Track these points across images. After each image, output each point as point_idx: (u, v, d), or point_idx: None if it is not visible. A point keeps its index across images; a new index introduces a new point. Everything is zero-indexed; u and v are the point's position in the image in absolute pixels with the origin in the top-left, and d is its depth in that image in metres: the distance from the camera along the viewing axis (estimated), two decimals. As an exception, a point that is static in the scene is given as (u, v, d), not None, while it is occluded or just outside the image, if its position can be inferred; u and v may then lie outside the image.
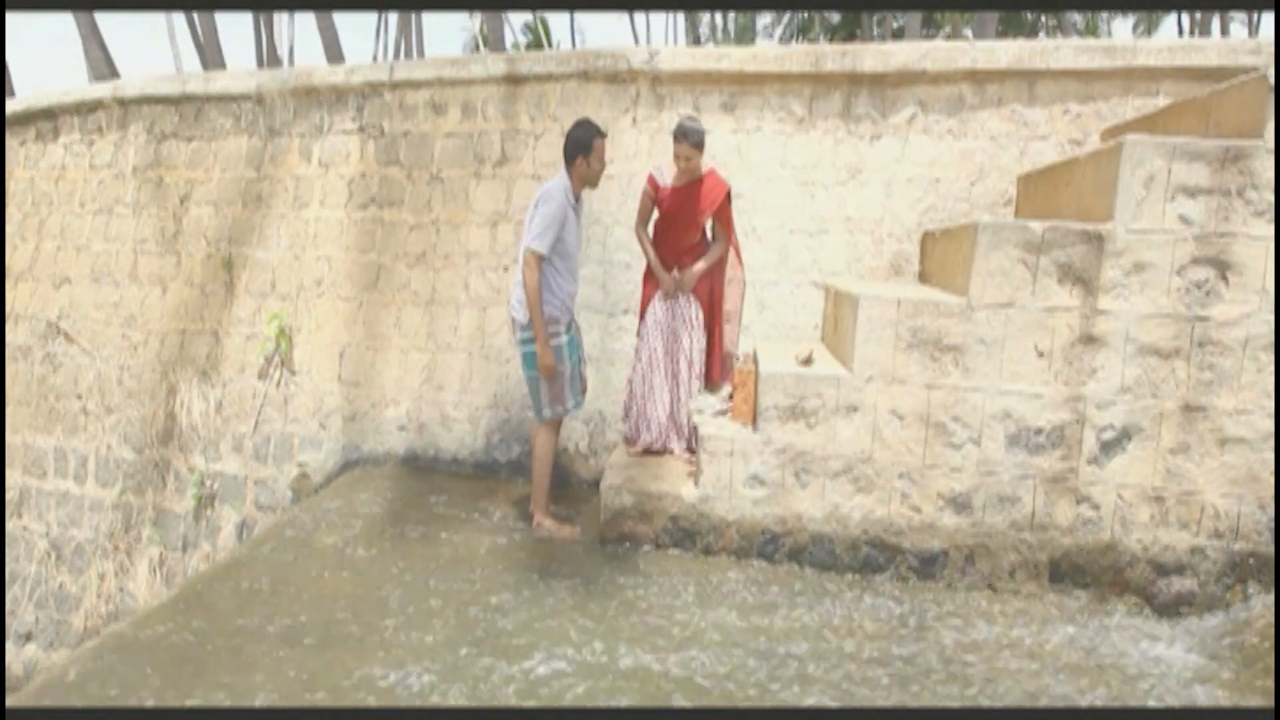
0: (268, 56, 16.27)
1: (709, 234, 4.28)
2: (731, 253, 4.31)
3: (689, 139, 3.92)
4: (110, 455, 6.21)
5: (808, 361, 3.66)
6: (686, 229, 4.12)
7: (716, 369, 4.28)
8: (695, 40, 23.02)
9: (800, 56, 4.93)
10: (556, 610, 3.11)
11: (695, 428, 3.93)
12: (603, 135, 3.80)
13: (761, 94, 5.03)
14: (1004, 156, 4.75)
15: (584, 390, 4.04)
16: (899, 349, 3.39)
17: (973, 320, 3.31)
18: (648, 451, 4.20)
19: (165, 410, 6.05)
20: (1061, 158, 4.42)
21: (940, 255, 4.16)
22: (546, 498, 3.97)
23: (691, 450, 4.15)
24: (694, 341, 4.17)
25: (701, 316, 4.19)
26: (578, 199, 3.82)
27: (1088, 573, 3.34)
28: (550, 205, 3.64)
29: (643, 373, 4.22)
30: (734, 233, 4.29)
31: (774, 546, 3.60)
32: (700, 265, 4.12)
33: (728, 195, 4.14)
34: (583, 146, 3.74)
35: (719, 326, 4.29)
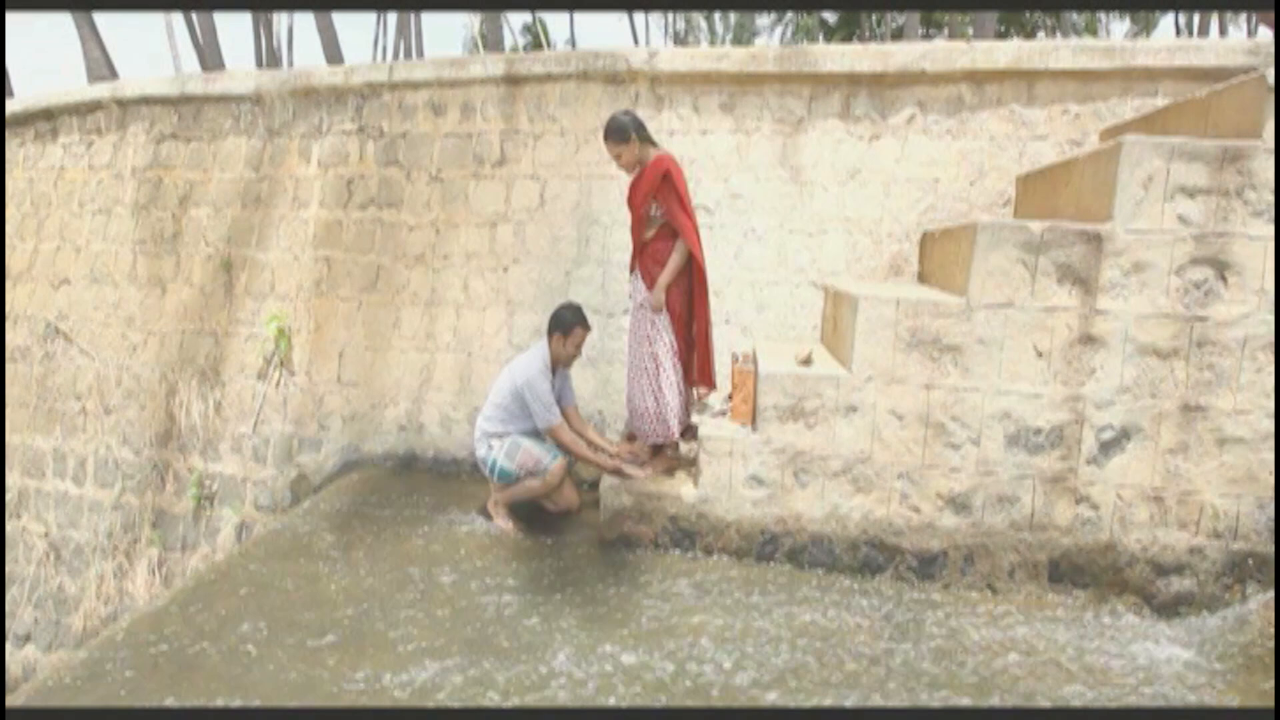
0: (267, 57, 16.26)
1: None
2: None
3: (608, 138, 3.77)
4: (109, 456, 6.20)
5: (807, 362, 3.66)
6: (637, 222, 3.92)
7: (705, 373, 4.18)
8: (676, 40, 23.01)
9: (799, 57, 4.93)
10: (556, 610, 3.12)
11: (694, 426, 3.93)
12: (587, 327, 4.00)
13: (761, 94, 5.04)
14: (1003, 157, 4.76)
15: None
16: (898, 349, 3.39)
17: (972, 320, 3.31)
18: (651, 445, 4.12)
19: (165, 411, 6.04)
20: (1060, 158, 4.42)
21: (939, 255, 4.16)
22: (511, 504, 4.07)
23: (679, 440, 4.07)
24: (661, 329, 3.91)
25: (646, 291, 3.89)
26: (555, 371, 4.02)
27: (1087, 573, 3.34)
28: (537, 388, 3.86)
29: (627, 375, 4.17)
30: (685, 219, 3.77)
31: (773, 547, 3.60)
32: (664, 279, 3.80)
33: (665, 174, 3.72)
34: (563, 327, 3.95)
35: (701, 332, 4.06)
